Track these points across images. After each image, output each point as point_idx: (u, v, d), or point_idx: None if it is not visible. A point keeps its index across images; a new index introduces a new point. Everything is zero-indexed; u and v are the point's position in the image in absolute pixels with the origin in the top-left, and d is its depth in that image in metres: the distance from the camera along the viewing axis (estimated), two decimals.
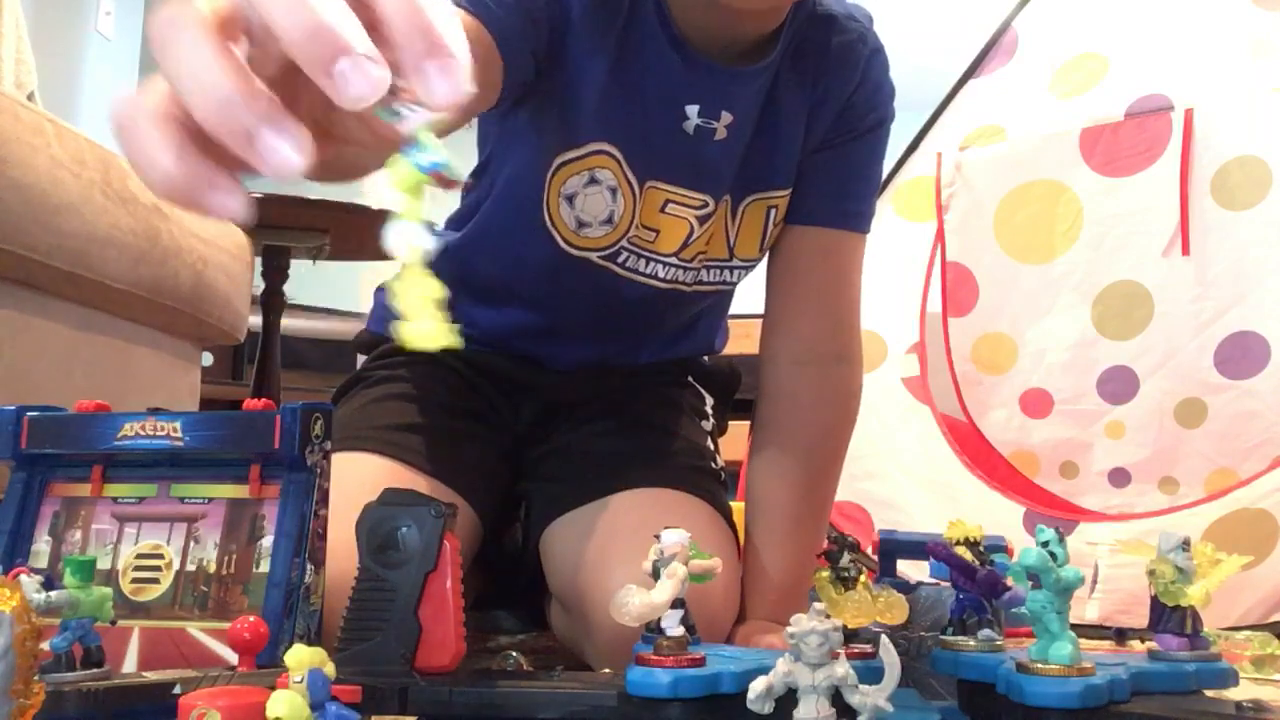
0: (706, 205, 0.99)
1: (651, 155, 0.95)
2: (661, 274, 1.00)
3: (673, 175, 0.96)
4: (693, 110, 0.94)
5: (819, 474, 1.02)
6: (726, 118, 0.95)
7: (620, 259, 0.98)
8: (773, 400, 1.03)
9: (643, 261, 0.99)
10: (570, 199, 0.94)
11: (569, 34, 0.88)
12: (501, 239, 1.00)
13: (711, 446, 1.11)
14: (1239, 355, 1.51)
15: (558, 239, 0.96)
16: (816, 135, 1.00)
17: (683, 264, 1.01)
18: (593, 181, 0.94)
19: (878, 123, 1.03)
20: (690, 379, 1.15)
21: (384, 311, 1.16)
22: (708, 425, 1.13)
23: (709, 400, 1.16)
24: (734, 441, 1.20)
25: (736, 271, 1.05)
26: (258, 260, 2.15)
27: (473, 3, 0.76)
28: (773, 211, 1.01)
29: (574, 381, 1.07)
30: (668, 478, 0.99)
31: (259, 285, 2.26)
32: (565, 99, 0.91)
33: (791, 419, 1.02)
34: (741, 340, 1.27)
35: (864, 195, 1.04)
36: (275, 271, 2.37)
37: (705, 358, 1.19)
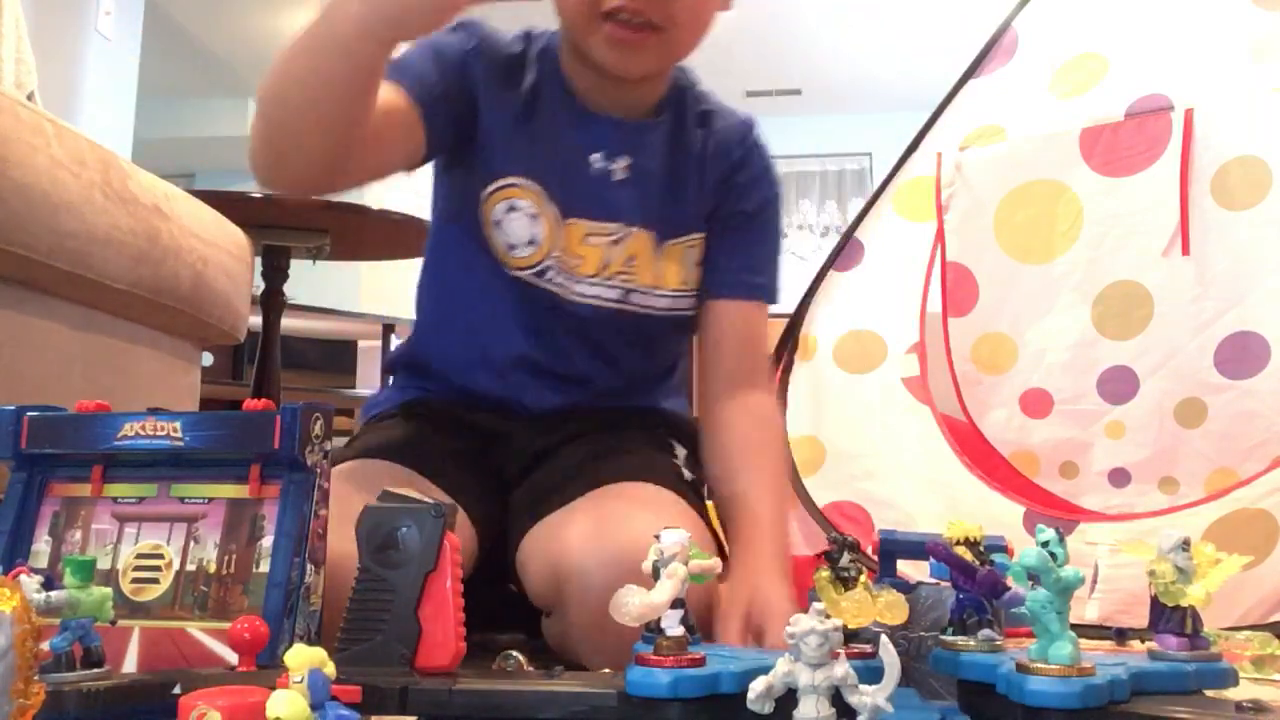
0: (618, 232, 1.11)
1: (568, 193, 1.09)
2: (589, 292, 1.11)
3: (589, 211, 1.10)
4: (596, 157, 1.10)
5: (763, 438, 1.12)
6: (625, 160, 1.11)
7: (547, 275, 1.09)
8: (710, 414, 1.14)
9: (569, 279, 1.10)
10: (498, 224, 1.08)
11: (478, 95, 1.06)
12: (454, 269, 1.14)
13: (689, 475, 1.13)
14: (1239, 355, 1.51)
15: (497, 260, 1.09)
16: (709, 190, 1.15)
17: (605, 282, 1.11)
18: (512, 209, 1.08)
19: (764, 204, 1.18)
20: (663, 432, 1.19)
21: (392, 394, 1.22)
22: (688, 476, 1.14)
23: (681, 451, 1.18)
24: None
25: (665, 298, 1.14)
26: (258, 260, 2.15)
27: (402, 74, 0.98)
28: (691, 252, 1.15)
29: (549, 427, 1.12)
30: (639, 475, 1.03)
31: (259, 285, 2.27)
32: (482, 144, 1.07)
33: (727, 412, 1.13)
34: None
35: (768, 270, 1.19)
36: (275, 271, 2.38)
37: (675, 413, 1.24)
